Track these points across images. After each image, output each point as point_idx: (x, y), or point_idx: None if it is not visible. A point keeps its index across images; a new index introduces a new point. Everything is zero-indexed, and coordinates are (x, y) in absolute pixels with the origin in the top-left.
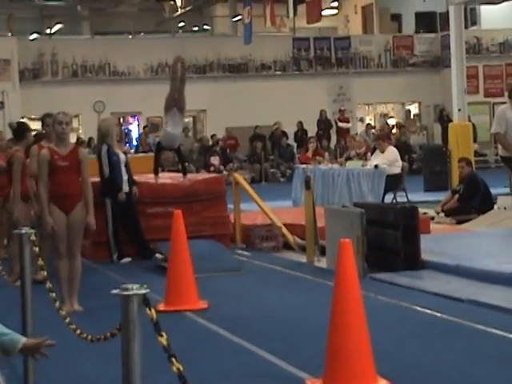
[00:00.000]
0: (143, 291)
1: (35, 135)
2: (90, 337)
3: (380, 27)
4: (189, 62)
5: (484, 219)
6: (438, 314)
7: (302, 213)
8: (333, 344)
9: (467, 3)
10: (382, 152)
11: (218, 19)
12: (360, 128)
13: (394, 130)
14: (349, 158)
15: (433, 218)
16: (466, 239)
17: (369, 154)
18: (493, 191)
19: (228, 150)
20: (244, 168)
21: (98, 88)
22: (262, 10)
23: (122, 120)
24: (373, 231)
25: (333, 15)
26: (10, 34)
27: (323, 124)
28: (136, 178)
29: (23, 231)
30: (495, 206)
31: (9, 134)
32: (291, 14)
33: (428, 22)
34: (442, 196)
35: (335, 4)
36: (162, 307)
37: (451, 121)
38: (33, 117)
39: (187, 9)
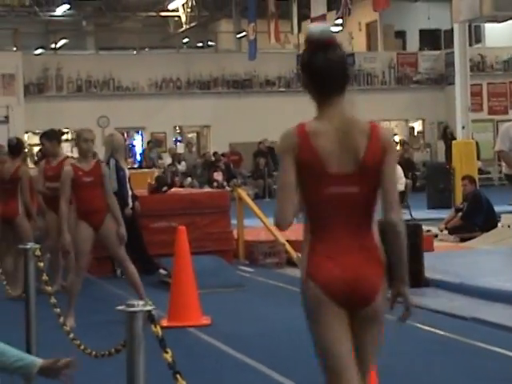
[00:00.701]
0: (148, 308)
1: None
2: (94, 352)
3: (384, 44)
4: (193, 78)
5: (487, 237)
6: (441, 332)
7: None
8: None
9: (471, 21)
10: None
11: (223, 35)
12: None
13: (397, 147)
14: None
15: (436, 236)
16: (470, 257)
17: None
18: (496, 209)
19: (232, 166)
20: (247, 184)
21: (102, 103)
22: (266, 27)
23: (125, 135)
24: None
25: (337, 32)
26: (15, 48)
27: None
28: (138, 192)
29: (28, 246)
30: (499, 224)
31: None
32: (295, 31)
33: (432, 39)
34: (445, 214)
35: (339, 21)
36: (165, 323)
37: (455, 138)
38: (37, 131)
39: (192, 25)
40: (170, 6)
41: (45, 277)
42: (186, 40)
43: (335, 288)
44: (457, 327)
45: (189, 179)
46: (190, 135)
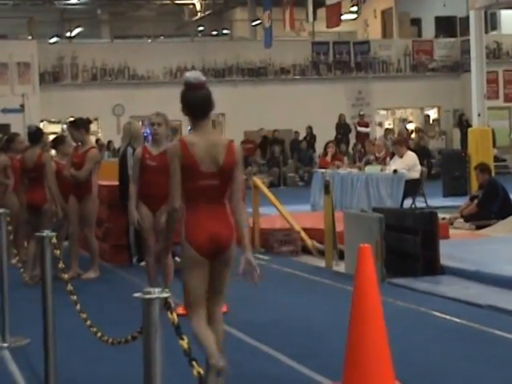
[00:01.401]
0: (165, 295)
1: (55, 139)
2: (111, 339)
3: (399, 32)
4: (208, 66)
5: (503, 225)
6: (457, 320)
7: (320, 217)
8: (351, 349)
9: (487, 8)
10: (401, 157)
11: (238, 23)
12: (379, 132)
13: (412, 135)
14: (368, 163)
15: (452, 224)
16: (486, 245)
17: (388, 158)
18: None
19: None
20: (263, 172)
21: (117, 91)
22: (281, 15)
23: (141, 123)
24: (391, 236)
25: (352, 20)
26: (30, 37)
27: (342, 128)
28: None
29: (44, 234)
30: None
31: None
32: (311, 19)
33: (448, 26)
34: (460, 201)
35: (355, 8)
36: (180, 310)
37: (470, 126)
38: (52, 120)
39: (207, 13)
40: None
41: (61, 264)
42: (200, 28)
43: (202, 245)
44: (473, 315)
45: None
46: None
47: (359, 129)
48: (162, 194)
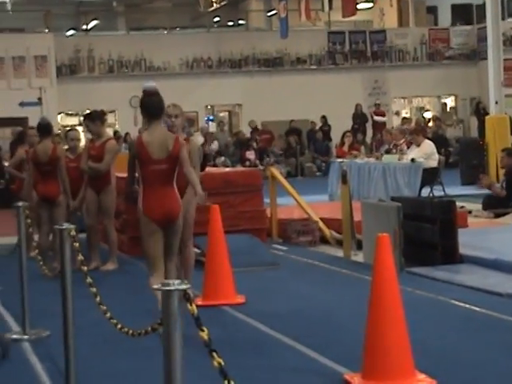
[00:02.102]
0: (184, 286)
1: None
2: (130, 331)
3: (416, 20)
4: (224, 57)
5: None
6: (477, 309)
7: (338, 207)
8: (371, 338)
9: None
10: (418, 146)
11: (253, 14)
12: (396, 121)
13: (430, 124)
14: (388, 151)
15: (470, 212)
16: (505, 233)
17: (405, 147)
18: None
19: (259, 144)
20: (280, 162)
21: (133, 83)
22: (296, 4)
23: None
24: (410, 225)
25: (368, 8)
26: (46, 30)
27: (358, 118)
28: None
29: (64, 227)
30: None
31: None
32: (326, 8)
33: (464, 14)
34: (479, 190)
35: None
36: (199, 301)
37: (488, 114)
38: (70, 112)
39: (222, 3)
40: None
41: (80, 257)
42: (216, 19)
43: (157, 217)
44: (492, 304)
45: (221, 158)
46: (221, 114)
47: (376, 118)
48: (180, 184)
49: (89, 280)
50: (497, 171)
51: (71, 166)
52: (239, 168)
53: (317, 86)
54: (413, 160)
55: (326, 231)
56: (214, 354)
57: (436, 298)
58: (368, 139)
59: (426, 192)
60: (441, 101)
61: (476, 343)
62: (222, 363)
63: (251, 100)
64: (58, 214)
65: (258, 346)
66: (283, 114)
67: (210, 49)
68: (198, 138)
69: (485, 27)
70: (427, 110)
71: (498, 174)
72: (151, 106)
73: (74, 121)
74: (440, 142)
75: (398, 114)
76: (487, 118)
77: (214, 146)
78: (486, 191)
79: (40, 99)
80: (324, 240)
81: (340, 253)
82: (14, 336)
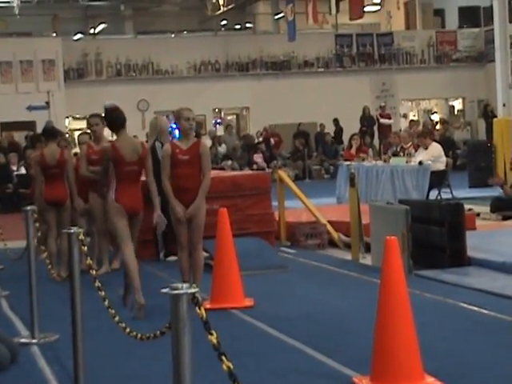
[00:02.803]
0: (193, 290)
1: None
2: (139, 335)
3: (423, 23)
4: (232, 60)
5: None
6: (485, 311)
7: (346, 210)
8: (380, 341)
9: None
10: (426, 149)
11: (261, 17)
12: (404, 124)
13: (437, 126)
14: (396, 154)
15: (478, 215)
16: None
17: (413, 150)
18: None
19: (272, 147)
20: (287, 165)
21: (141, 87)
22: (304, 8)
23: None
24: (418, 228)
25: (375, 11)
26: (54, 34)
27: (366, 121)
28: None
29: (72, 230)
30: None
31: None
32: (333, 11)
33: (471, 16)
34: (486, 192)
35: (377, 0)
36: (207, 305)
37: (495, 116)
38: (77, 116)
39: (230, 7)
40: None
41: (89, 260)
42: (223, 22)
43: (125, 207)
44: (500, 306)
45: (229, 161)
46: (229, 117)
47: (382, 121)
48: (195, 186)
49: (97, 284)
50: (505, 173)
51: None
52: (247, 171)
53: (324, 89)
54: (420, 163)
55: (334, 234)
56: (223, 357)
57: (444, 301)
58: (375, 142)
59: (433, 195)
60: (448, 103)
61: (484, 346)
62: (231, 367)
63: (259, 103)
64: (66, 218)
65: (267, 350)
66: (291, 116)
67: (217, 52)
68: (206, 142)
69: (492, 29)
70: (435, 113)
71: (506, 176)
72: (117, 119)
73: (81, 124)
74: (448, 144)
75: (405, 116)
76: (495, 120)
77: (222, 149)
78: (494, 193)
79: (48, 103)
80: (332, 243)
81: (348, 256)
82: (23, 340)
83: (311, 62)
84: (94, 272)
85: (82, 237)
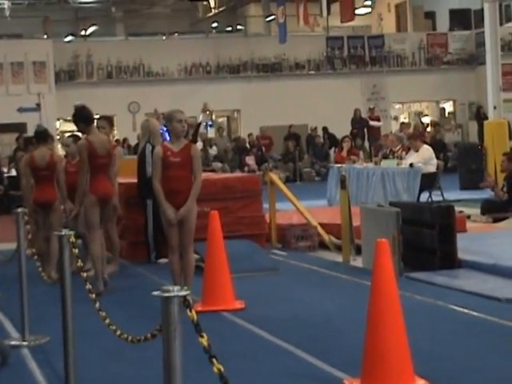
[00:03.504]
0: (184, 293)
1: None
2: (129, 337)
3: (414, 25)
4: (223, 62)
5: None
6: (475, 314)
7: (337, 212)
8: (370, 343)
9: (502, 0)
10: (416, 151)
11: (252, 19)
12: (394, 127)
13: (428, 129)
14: (386, 157)
15: (469, 217)
16: (503, 238)
17: (404, 152)
18: None
19: (263, 150)
20: (278, 167)
21: (132, 89)
22: (295, 10)
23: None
24: (409, 230)
25: (366, 14)
26: (45, 36)
27: (357, 123)
28: None
29: (63, 232)
30: None
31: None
32: (324, 13)
33: (462, 19)
34: (477, 195)
35: (368, 2)
36: (198, 307)
37: (488, 118)
38: (68, 118)
39: (221, 9)
40: None
41: (80, 263)
42: (215, 24)
43: (98, 196)
44: (490, 309)
45: (219, 164)
46: (220, 120)
47: (371, 123)
48: (186, 188)
49: (88, 286)
50: (496, 176)
51: (71, 171)
52: (238, 173)
53: (315, 91)
54: (411, 165)
55: (325, 236)
56: (214, 359)
57: (435, 303)
58: (366, 144)
59: (424, 197)
60: (439, 106)
61: (475, 348)
62: (222, 369)
63: (250, 105)
64: (55, 219)
65: (258, 352)
66: (282, 119)
67: (208, 54)
68: (197, 144)
69: (483, 32)
70: (425, 115)
71: (496, 178)
72: (87, 116)
73: (72, 126)
74: (438, 146)
75: (396, 119)
76: (486, 122)
77: (213, 151)
78: (484, 195)
79: (38, 105)
80: (323, 245)
81: (339, 258)
82: (13, 342)
83: (302, 65)
84: (85, 274)
85: (72, 239)
